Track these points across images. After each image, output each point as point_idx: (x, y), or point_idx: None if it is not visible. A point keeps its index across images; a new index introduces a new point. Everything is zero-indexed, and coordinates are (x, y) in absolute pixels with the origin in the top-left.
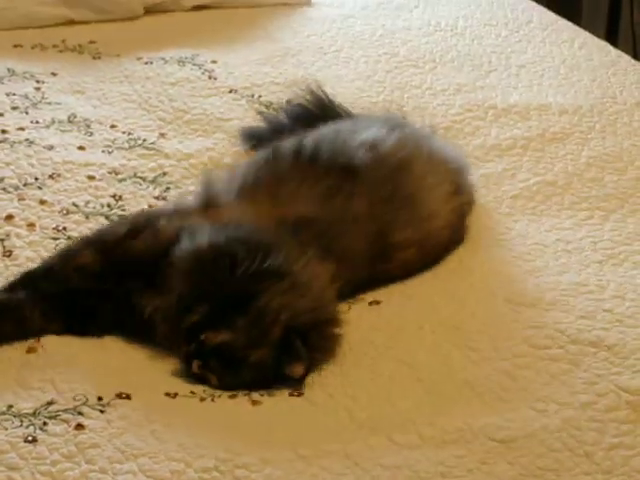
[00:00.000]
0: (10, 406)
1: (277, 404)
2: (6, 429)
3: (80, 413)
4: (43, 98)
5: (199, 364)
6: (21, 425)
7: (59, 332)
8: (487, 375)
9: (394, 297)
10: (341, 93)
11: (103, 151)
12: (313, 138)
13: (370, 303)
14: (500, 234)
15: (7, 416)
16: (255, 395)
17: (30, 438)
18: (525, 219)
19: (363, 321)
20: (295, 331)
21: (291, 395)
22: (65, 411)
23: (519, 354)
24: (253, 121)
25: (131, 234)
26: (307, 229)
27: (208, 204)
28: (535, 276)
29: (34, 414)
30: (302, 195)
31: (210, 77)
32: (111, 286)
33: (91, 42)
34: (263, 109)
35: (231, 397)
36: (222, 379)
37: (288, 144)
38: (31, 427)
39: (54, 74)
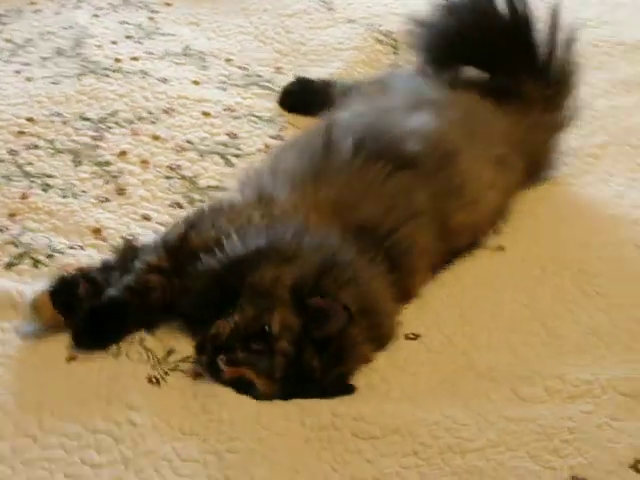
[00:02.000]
0: None
1: (391, 357)
2: None
3: None
4: (157, 29)
5: (224, 359)
6: None
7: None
8: (615, 322)
9: (519, 243)
10: None
11: (218, 87)
12: (361, 126)
13: (494, 249)
14: (630, 171)
15: None
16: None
17: None
18: None
19: (484, 266)
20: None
21: (407, 338)
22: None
23: None
24: (372, 50)
25: (189, 230)
26: (369, 235)
27: (261, 199)
28: None
29: None
30: (363, 198)
31: (329, 9)
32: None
33: None
34: (383, 38)
35: None
36: (258, 366)
37: (340, 133)
38: None
39: (168, 4)
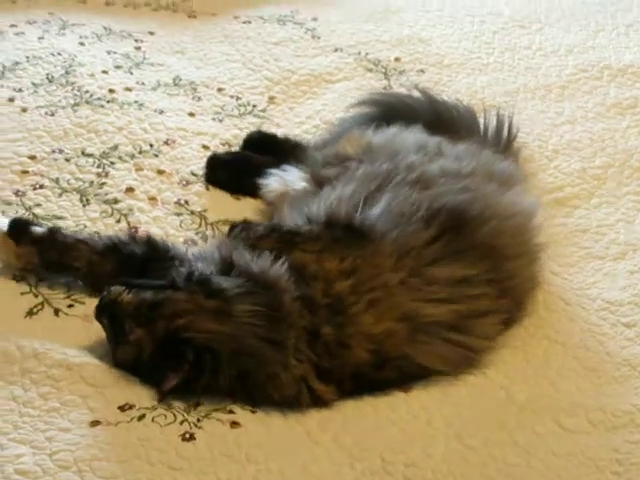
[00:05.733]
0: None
1: (428, 389)
2: None
3: (232, 412)
4: (145, 58)
5: (95, 311)
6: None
7: None
8: None
9: None
10: (450, 53)
11: (214, 119)
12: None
13: None
14: (635, 193)
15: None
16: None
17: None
18: None
19: None
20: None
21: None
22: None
23: None
24: (364, 78)
25: None
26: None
27: None
28: None
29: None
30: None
31: (313, 36)
32: None
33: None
34: (372, 67)
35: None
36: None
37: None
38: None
39: (151, 33)
